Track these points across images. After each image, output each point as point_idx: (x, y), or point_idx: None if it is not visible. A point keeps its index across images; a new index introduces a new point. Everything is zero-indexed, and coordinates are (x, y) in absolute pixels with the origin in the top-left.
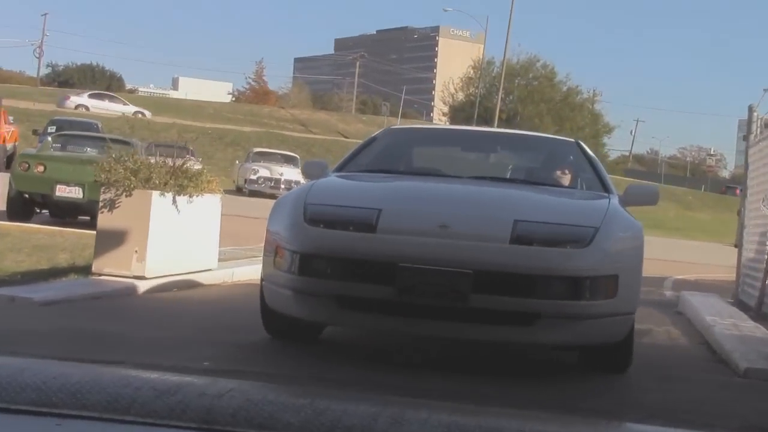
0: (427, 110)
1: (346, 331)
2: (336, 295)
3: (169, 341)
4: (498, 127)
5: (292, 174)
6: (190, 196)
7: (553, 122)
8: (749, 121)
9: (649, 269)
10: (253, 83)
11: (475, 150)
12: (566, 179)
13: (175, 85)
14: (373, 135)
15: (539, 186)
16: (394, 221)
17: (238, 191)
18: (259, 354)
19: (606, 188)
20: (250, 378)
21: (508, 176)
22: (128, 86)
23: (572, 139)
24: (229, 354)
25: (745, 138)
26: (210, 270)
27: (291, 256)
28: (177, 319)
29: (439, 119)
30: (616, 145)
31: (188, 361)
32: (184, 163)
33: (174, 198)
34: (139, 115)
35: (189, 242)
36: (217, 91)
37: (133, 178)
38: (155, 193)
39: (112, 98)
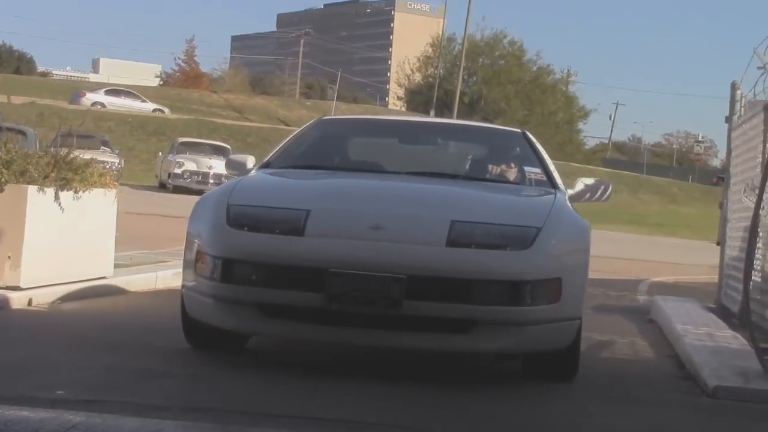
0: (381, 94)
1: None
2: (261, 302)
3: (32, 363)
4: (460, 112)
5: (222, 167)
6: (77, 192)
7: (521, 106)
8: (732, 101)
9: (624, 271)
10: (183, 64)
11: (414, 142)
12: (511, 173)
13: (95, 67)
14: (303, 126)
15: (481, 182)
16: (324, 223)
17: (162, 187)
18: (134, 379)
19: (553, 183)
20: (106, 409)
21: (448, 171)
22: (40, 68)
23: (518, 130)
24: (98, 379)
25: (727, 120)
26: (103, 278)
27: (213, 262)
28: (51, 337)
29: (394, 104)
30: (593, 132)
31: (41, 390)
32: (68, 153)
33: (56, 194)
34: (158, 113)
35: (77, 246)
36: (144, 74)
37: (4, 171)
38: (32, 188)
39: (128, 94)
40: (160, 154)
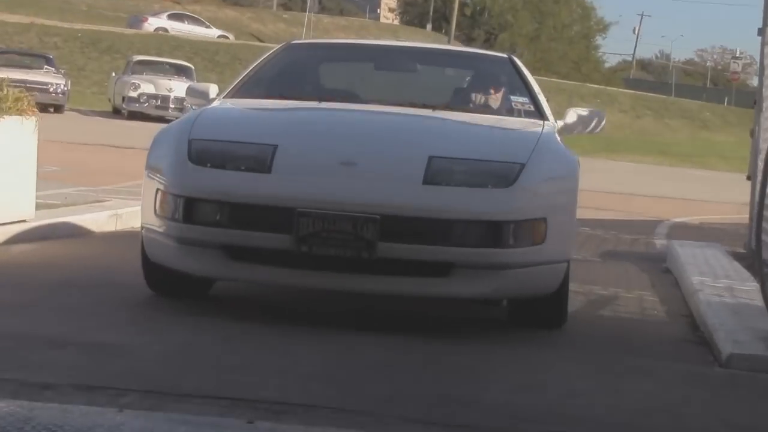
0: (371, 5)
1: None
2: (226, 244)
3: None
4: (459, 26)
5: (184, 90)
6: None
7: (530, 18)
8: (765, 9)
9: (643, 210)
10: None
11: (391, 68)
12: (494, 101)
13: None
14: (270, 52)
15: (463, 113)
16: (292, 159)
17: (115, 113)
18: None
19: (541, 114)
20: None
21: (427, 101)
22: None
23: (504, 54)
24: None
25: (760, 32)
26: (23, 222)
27: (174, 201)
28: None
29: (386, 17)
30: (614, 48)
31: None
32: None
33: None
34: (223, 39)
35: None
36: None
37: None
38: None
39: (192, 19)
40: (113, 74)
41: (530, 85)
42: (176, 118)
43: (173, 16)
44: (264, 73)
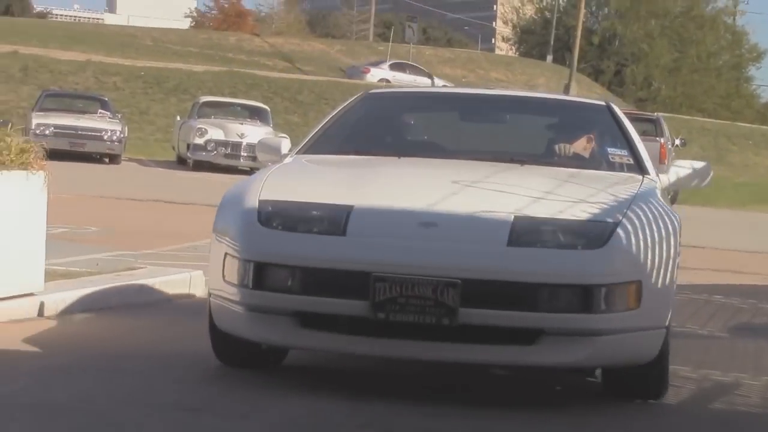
0: (484, 34)
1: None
2: (298, 311)
3: None
4: (587, 56)
5: (258, 135)
6: None
7: (669, 46)
8: None
9: None
10: (221, 0)
11: (478, 119)
12: (587, 152)
13: (111, 6)
14: (347, 102)
15: (554, 167)
16: (368, 221)
17: (180, 162)
18: None
19: (641, 168)
20: None
21: (515, 154)
22: (37, 7)
23: (602, 102)
24: None
25: None
26: (30, 295)
27: (243, 266)
28: None
29: (499, 48)
30: None
31: None
32: None
33: None
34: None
35: None
36: (173, 14)
37: None
38: None
39: (414, 69)
40: (178, 118)
41: (629, 135)
42: (249, 168)
43: (395, 66)
44: (339, 126)
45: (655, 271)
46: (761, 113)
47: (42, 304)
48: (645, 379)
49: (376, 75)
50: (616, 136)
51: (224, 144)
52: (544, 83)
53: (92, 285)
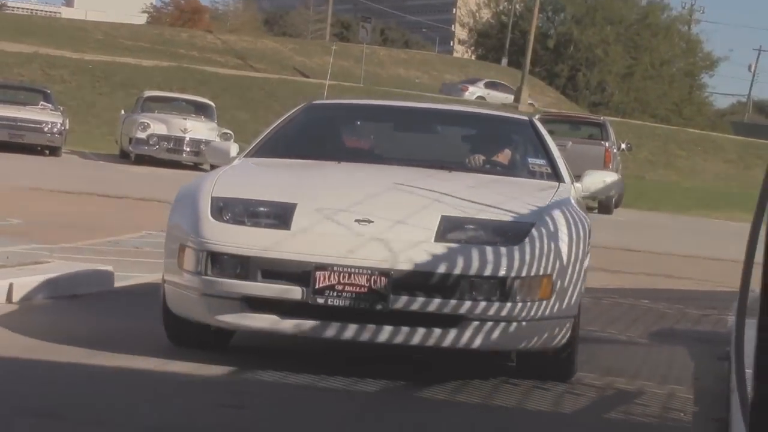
0: (443, 37)
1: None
2: (246, 296)
3: None
4: (540, 60)
5: (201, 131)
6: None
7: (624, 53)
8: None
9: (728, 278)
10: None
11: (410, 130)
12: (508, 161)
13: (69, 0)
14: (290, 112)
15: (479, 174)
16: (310, 217)
17: (123, 156)
18: None
19: (557, 176)
20: None
21: (444, 161)
22: None
23: (525, 117)
24: None
25: None
26: None
27: (196, 255)
28: None
29: (457, 50)
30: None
31: None
32: None
33: None
34: (532, 108)
35: None
36: (130, 9)
37: None
38: None
39: (504, 88)
40: (123, 112)
41: (549, 147)
42: (193, 164)
43: (489, 85)
44: (284, 132)
45: (565, 268)
46: (712, 120)
47: None
48: (555, 363)
49: (473, 93)
50: (537, 148)
51: (167, 138)
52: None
53: None
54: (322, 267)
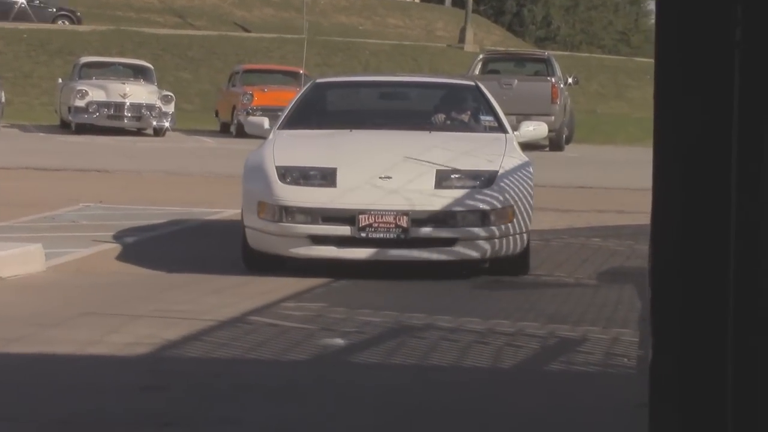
0: None
1: None
2: (311, 234)
3: None
4: (485, 1)
5: (141, 95)
6: None
7: None
8: None
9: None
10: None
11: (392, 98)
12: (467, 118)
13: None
14: (301, 92)
15: (451, 132)
16: (349, 177)
17: (64, 126)
18: None
19: (502, 128)
20: None
21: (423, 123)
22: None
23: (471, 83)
24: None
25: None
26: None
27: (272, 209)
28: None
29: None
30: None
31: None
32: None
33: None
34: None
35: None
36: None
37: None
38: None
39: None
40: (60, 80)
41: (493, 106)
42: (136, 129)
43: None
44: (302, 108)
45: (521, 198)
46: None
47: None
48: (516, 263)
49: None
50: (485, 107)
51: (106, 105)
52: (442, 27)
53: None
54: (363, 212)
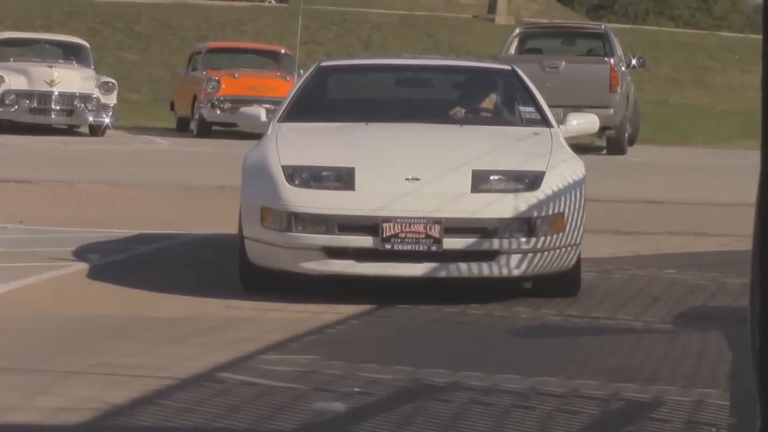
0: None
1: None
2: (325, 246)
3: None
4: None
5: (74, 82)
6: None
7: None
8: None
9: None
10: None
11: (410, 84)
12: (491, 104)
13: None
14: (305, 76)
15: (484, 126)
16: (369, 178)
17: None
18: None
19: (546, 122)
20: None
21: (452, 117)
22: None
23: (507, 66)
24: None
25: None
26: None
27: (279, 215)
28: None
29: None
30: None
31: None
32: None
33: None
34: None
35: None
36: None
37: None
38: None
39: None
40: None
41: (534, 94)
42: (67, 126)
43: None
44: (306, 97)
45: (571, 204)
46: (751, 19)
47: None
48: (565, 282)
49: None
50: (524, 96)
51: (28, 95)
52: None
53: None
54: (388, 219)
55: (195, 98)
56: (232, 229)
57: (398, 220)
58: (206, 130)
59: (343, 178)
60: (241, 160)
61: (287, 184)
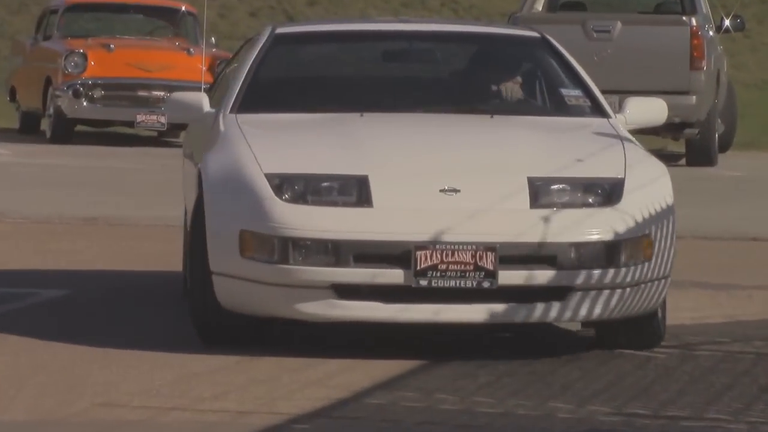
0: None
1: None
2: (335, 284)
3: None
4: None
5: None
6: None
7: None
8: None
9: None
10: None
11: (408, 59)
12: (516, 91)
13: None
14: (256, 47)
15: (521, 117)
16: (389, 190)
17: None
18: None
19: (599, 108)
20: None
21: (474, 105)
22: None
23: (535, 34)
24: None
25: None
26: None
27: (267, 242)
28: None
29: None
30: None
31: None
32: None
33: None
34: None
35: None
36: None
37: None
38: None
39: None
40: None
41: (576, 70)
42: None
43: None
44: (266, 77)
45: (660, 224)
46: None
47: None
48: (644, 327)
49: None
50: (562, 72)
51: None
52: None
53: None
54: (422, 246)
55: (48, 83)
56: (115, 278)
57: (437, 246)
58: (66, 132)
59: (354, 190)
60: (131, 176)
61: (276, 198)
